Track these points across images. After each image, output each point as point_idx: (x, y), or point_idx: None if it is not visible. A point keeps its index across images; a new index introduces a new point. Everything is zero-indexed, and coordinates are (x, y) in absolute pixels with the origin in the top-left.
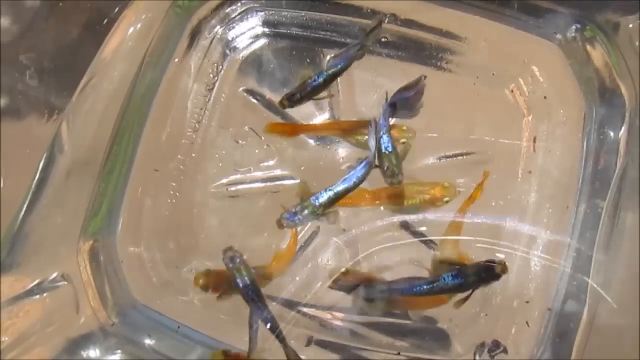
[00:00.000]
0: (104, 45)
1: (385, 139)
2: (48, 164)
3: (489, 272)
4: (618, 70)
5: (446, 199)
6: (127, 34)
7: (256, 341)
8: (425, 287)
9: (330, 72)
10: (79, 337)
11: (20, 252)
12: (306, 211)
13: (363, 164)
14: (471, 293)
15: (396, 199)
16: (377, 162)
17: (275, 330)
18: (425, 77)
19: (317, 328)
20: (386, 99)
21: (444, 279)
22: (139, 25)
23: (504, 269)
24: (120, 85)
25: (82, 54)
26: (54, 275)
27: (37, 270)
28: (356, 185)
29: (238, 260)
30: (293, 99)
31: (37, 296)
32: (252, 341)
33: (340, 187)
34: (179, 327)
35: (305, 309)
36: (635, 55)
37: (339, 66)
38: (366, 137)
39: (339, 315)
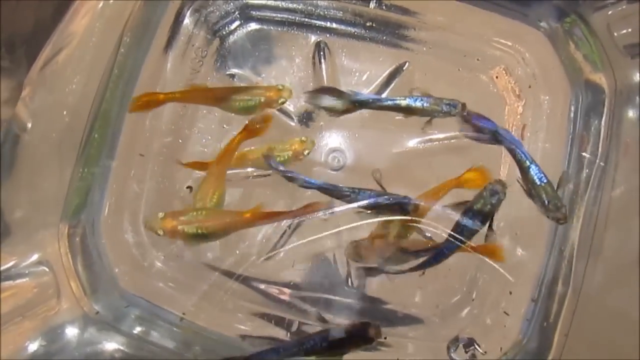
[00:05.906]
0: (68, 18)
1: (534, 169)
2: (11, 141)
3: (362, 334)
4: (598, 60)
5: (281, 100)
6: (97, 8)
7: None
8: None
9: None
10: (59, 324)
11: None
12: None
13: None
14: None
15: (227, 102)
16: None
17: None
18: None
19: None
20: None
21: None
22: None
23: (378, 333)
24: (95, 64)
25: None
26: (33, 258)
27: (13, 253)
28: None
29: None
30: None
31: (14, 281)
32: None
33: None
34: (183, 314)
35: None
36: (614, 45)
37: None
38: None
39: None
